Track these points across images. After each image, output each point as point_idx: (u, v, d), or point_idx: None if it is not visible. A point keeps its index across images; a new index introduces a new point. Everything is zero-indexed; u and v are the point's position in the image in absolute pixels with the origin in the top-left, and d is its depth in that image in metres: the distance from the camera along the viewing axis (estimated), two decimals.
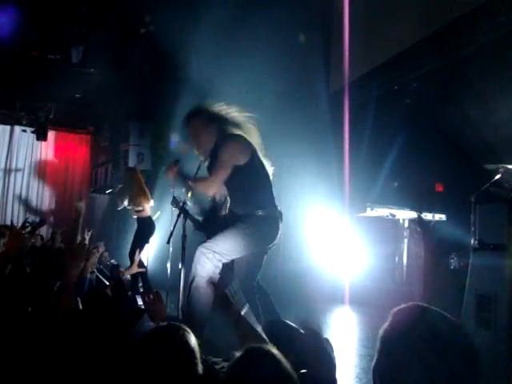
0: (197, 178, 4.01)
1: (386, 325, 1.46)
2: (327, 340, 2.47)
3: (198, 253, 3.83)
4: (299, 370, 1.92)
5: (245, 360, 1.66)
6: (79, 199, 13.39)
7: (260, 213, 3.86)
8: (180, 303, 4.42)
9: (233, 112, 4.07)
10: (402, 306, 1.47)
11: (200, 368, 1.84)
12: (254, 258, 3.98)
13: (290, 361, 1.71)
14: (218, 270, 3.79)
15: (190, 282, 3.90)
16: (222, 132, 4.02)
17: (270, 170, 4.08)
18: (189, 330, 1.92)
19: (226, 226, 4.00)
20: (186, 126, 4.15)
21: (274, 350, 1.71)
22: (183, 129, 4.23)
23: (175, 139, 10.39)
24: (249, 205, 3.88)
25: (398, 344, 1.37)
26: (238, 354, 1.68)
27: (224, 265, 4.00)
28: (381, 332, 1.45)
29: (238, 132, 4.01)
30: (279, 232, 3.98)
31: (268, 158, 4.11)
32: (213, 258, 3.74)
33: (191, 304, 3.81)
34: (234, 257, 3.93)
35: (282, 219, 4.01)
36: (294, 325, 2.40)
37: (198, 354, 1.85)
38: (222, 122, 4.04)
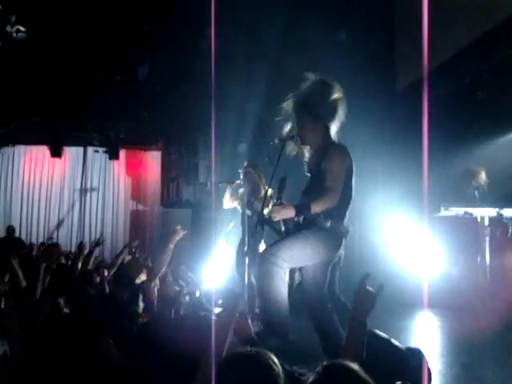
0: (311, 199, 3.77)
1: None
2: (419, 351, 2.35)
3: (260, 259, 3.76)
4: (394, 382, 1.86)
5: (326, 378, 1.59)
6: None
7: (328, 225, 3.75)
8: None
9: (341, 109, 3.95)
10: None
11: None
12: (317, 271, 3.86)
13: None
14: (283, 273, 3.69)
15: (257, 291, 3.84)
16: (328, 136, 3.95)
17: None
18: (271, 355, 1.80)
19: (289, 234, 3.95)
20: (296, 117, 3.99)
21: (355, 366, 1.62)
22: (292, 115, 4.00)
23: (242, 149, 10.43)
24: (326, 216, 3.78)
25: None
26: (318, 370, 1.62)
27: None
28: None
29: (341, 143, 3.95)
30: (340, 249, 3.89)
31: None
32: (275, 261, 3.64)
33: (266, 311, 3.75)
34: (296, 265, 3.85)
35: (346, 237, 3.91)
36: (384, 335, 2.30)
37: (282, 380, 1.75)
38: (329, 121, 3.94)
